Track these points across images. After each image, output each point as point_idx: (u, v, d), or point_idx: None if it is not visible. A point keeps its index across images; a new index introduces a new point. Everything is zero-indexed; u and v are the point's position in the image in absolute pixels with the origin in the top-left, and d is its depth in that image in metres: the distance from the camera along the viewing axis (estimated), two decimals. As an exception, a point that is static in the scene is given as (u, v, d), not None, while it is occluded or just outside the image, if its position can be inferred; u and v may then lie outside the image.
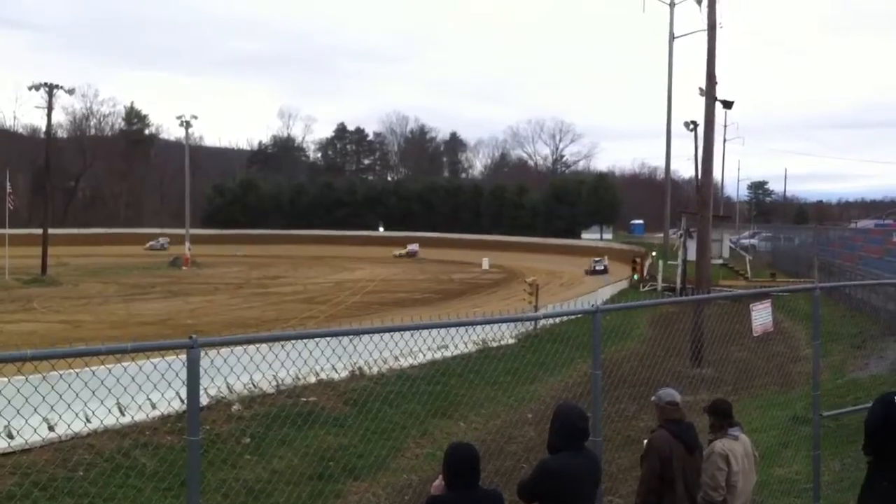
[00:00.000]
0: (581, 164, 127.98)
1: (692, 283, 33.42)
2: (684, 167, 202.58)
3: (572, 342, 16.48)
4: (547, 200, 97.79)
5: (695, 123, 45.96)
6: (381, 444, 11.80)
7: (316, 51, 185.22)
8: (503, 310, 30.19)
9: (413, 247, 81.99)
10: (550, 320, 21.89)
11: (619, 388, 11.91)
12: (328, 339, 12.40)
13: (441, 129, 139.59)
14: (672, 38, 52.69)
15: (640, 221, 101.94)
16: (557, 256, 72.36)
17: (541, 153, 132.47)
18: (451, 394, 14.41)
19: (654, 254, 54.75)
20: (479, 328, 17.27)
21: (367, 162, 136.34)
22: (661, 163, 65.08)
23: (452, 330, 14.35)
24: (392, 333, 14.23)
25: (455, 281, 53.61)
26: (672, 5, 52.25)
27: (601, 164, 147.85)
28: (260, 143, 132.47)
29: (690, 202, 62.46)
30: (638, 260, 48.68)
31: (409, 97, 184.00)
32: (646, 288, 43.76)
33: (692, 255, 32.97)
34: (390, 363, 16.29)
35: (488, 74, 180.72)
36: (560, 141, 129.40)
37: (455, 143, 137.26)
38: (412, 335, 15.31)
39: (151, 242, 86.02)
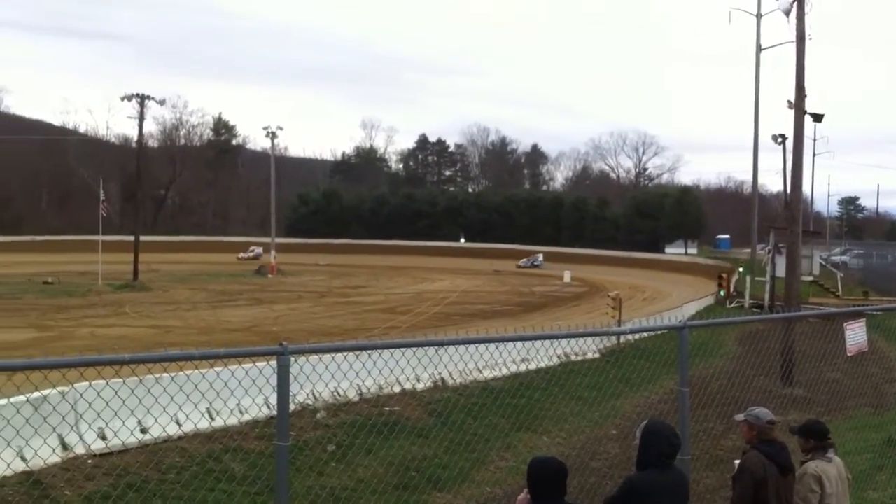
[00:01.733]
0: (665, 178, 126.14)
1: (781, 300, 32.59)
2: (772, 181, 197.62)
3: (656, 358, 16.25)
4: (629, 214, 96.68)
5: (783, 137, 44.92)
6: (465, 456, 11.78)
7: (399, 63, 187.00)
8: (585, 324, 29.81)
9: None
10: (633, 335, 21.61)
11: (706, 407, 11.68)
12: (412, 349, 12.52)
13: (522, 141, 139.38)
14: (759, 49, 51.59)
15: (726, 236, 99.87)
16: (640, 270, 71.45)
17: (623, 166, 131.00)
18: (535, 407, 14.33)
19: (740, 270, 53.57)
20: (562, 342, 17.15)
21: (447, 173, 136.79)
22: (748, 176, 63.82)
23: (536, 343, 14.30)
24: (476, 345, 14.35)
25: (536, 293, 53.37)
26: (759, 17, 51.18)
27: (685, 177, 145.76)
28: (343, 153, 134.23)
29: (778, 217, 61.02)
30: (724, 276, 47.73)
31: (490, 109, 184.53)
32: (732, 304, 42.87)
33: (781, 272, 32.20)
34: (473, 375, 16.29)
35: (570, 87, 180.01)
36: (643, 153, 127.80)
37: (536, 155, 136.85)
38: (497, 347, 15.37)
39: (242, 254, 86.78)
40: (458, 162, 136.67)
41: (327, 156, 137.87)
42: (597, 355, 21.98)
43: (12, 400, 9.19)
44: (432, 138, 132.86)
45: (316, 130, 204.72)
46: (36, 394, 9.84)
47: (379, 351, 9.34)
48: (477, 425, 13.12)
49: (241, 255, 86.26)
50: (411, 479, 10.87)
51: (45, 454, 9.95)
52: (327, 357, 11.72)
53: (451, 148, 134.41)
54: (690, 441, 6.54)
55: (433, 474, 11.06)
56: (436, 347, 13.60)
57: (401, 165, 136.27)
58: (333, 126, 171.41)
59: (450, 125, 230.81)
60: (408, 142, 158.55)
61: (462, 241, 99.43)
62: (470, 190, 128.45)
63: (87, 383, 10.19)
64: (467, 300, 47.15)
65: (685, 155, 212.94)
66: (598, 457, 12.69)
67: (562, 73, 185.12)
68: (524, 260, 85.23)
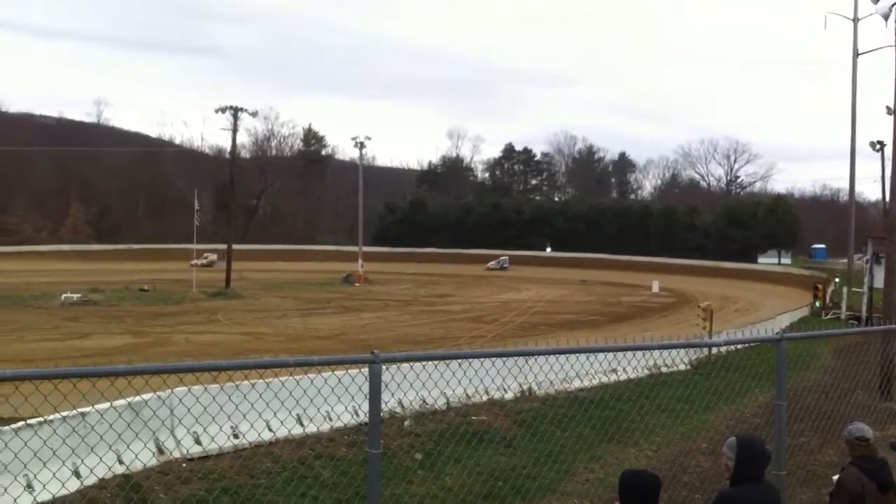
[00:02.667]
0: (757, 186, 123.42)
1: (879, 311, 31.52)
2: (870, 189, 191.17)
3: (748, 371, 15.89)
4: (720, 223, 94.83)
5: (881, 143, 43.57)
6: (552, 467, 11.70)
7: (485, 73, 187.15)
8: (675, 335, 29.41)
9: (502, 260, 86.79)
10: (725, 347, 21.17)
11: (802, 421, 11.36)
12: (500, 358, 12.53)
13: (609, 150, 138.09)
14: (856, 54, 50.03)
15: (822, 246, 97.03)
16: (730, 281, 69.99)
17: (714, 174, 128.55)
18: (623, 419, 14.15)
19: (836, 280, 52.03)
20: (652, 353, 16.91)
21: (534, 182, 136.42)
22: (845, 184, 61.98)
23: (627, 353, 14.13)
24: (563, 355, 14.27)
25: (623, 304, 52.75)
26: (856, 21, 49.69)
27: (779, 185, 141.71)
28: (429, 163, 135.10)
29: (877, 226, 59.03)
30: (820, 286, 46.42)
31: (577, 117, 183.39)
32: (828, 316, 41.63)
33: (879, 283, 31.11)
34: (560, 385, 16.19)
35: (659, 94, 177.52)
36: (735, 161, 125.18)
37: (624, 164, 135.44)
38: (585, 357, 15.26)
39: (196, 260, 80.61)
40: (544, 171, 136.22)
41: (414, 165, 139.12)
42: (687, 367, 21.61)
43: (115, 404, 9.50)
44: (518, 147, 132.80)
45: (403, 140, 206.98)
46: (136, 398, 10.15)
47: (468, 360, 9.36)
48: (564, 436, 13.02)
49: (195, 261, 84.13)
50: (498, 489, 10.86)
51: (143, 458, 10.27)
52: (416, 366, 11.80)
53: (538, 157, 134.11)
54: (786, 456, 6.39)
55: (520, 485, 11.01)
56: (524, 357, 13.63)
57: (487, 175, 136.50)
58: (420, 136, 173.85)
59: (536, 134, 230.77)
60: (494, 151, 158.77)
61: (548, 250, 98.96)
62: (556, 199, 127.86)
63: (185, 388, 10.48)
64: (553, 310, 46.89)
65: (779, 163, 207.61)
66: (689, 470, 12.46)
67: (650, 80, 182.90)
68: (492, 262, 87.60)
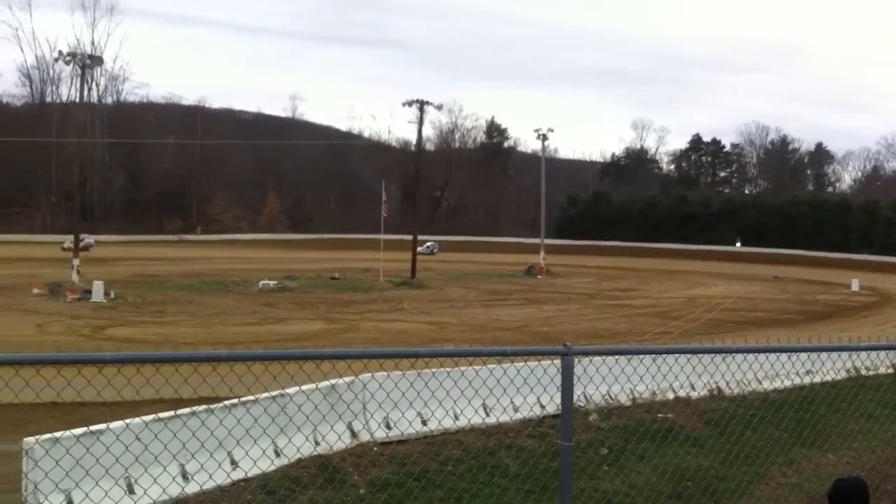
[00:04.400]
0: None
1: None
2: None
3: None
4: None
5: None
6: (743, 469, 11.28)
7: (671, 61, 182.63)
8: (877, 336, 27.71)
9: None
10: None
11: None
12: (687, 355, 12.19)
13: (805, 140, 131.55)
14: None
15: None
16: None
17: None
18: (819, 422, 13.44)
19: None
20: (851, 354, 16.01)
21: (722, 174, 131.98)
22: None
23: (821, 354, 13.44)
24: (755, 354, 13.73)
25: (820, 302, 50.10)
26: None
27: None
28: (612, 154, 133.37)
29: None
30: None
31: (770, 107, 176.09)
32: None
33: None
34: (752, 385, 15.59)
35: (859, 81, 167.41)
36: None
37: (821, 155, 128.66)
38: (777, 357, 14.62)
39: (68, 244, 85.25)
40: (733, 162, 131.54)
41: (597, 157, 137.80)
42: (890, 370, 20.30)
43: (304, 388, 9.93)
44: (706, 138, 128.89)
45: (586, 132, 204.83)
46: (325, 382, 10.57)
47: (655, 356, 9.18)
48: (756, 438, 12.51)
49: (67, 244, 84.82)
50: (686, 489, 10.59)
51: (333, 440, 10.69)
52: (598, 359, 11.68)
53: (727, 148, 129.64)
54: None
55: (709, 486, 10.68)
56: (712, 355, 13.21)
57: (672, 167, 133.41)
58: (603, 127, 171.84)
59: (725, 124, 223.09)
60: (680, 142, 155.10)
61: (738, 244, 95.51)
62: (746, 192, 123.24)
63: (378, 374, 10.82)
64: (743, 307, 45.16)
65: None
66: (891, 479, 11.72)
67: (849, 66, 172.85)
68: (422, 247, 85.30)
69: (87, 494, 7.02)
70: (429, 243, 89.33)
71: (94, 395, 6.19)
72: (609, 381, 13.31)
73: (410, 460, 10.57)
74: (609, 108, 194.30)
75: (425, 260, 68.23)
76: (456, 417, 11.78)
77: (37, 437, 7.80)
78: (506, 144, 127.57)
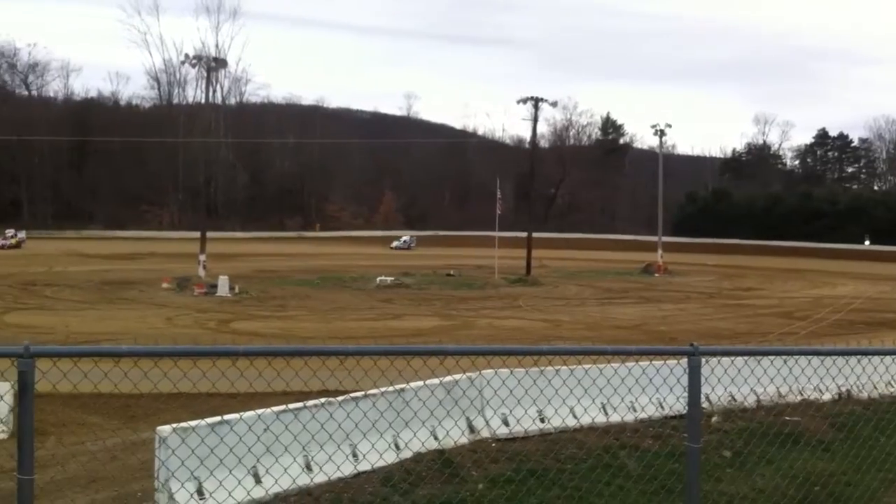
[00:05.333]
0: None
1: None
2: None
3: None
4: None
5: None
6: (874, 476, 10.82)
7: (795, 54, 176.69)
8: None
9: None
10: None
11: None
12: (816, 357, 11.78)
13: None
14: None
15: None
16: None
17: None
18: (959, 430, 12.81)
19: None
20: None
21: (850, 170, 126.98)
22: None
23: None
24: (891, 356, 13.14)
25: (958, 303, 47.61)
26: None
27: None
28: (733, 150, 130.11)
29: None
30: None
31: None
32: None
33: None
34: (884, 389, 14.97)
35: None
36: None
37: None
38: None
39: (396, 242, 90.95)
40: (861, 158, 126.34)
41: (716, 153, 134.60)
42: None
43: (427, 382, 10.03)
44: (833, 132, 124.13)
45: (705, 127, 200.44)
46: (448, 377, 10.65)
47: (780, 357, 8.91)
48: (890, 443, 12.01)
49: (395, 243, 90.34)
50: (814, 495, 10.23)
51: (455, 435, 10.77)
52: (725, 360, 11.39)
53: (855, 143, 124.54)
54: None
55: (838, 492, 10.30)
56: (844, 357, 12.72)
57: (797, 162, 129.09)
58: (723, 122, 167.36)
59: (853, 119, 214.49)
60: (805, 137, 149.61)
61: (867, 243, 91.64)
62: (876, 188, 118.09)
63: (492, 371, 10.84)
64: (874, 307, 43.28)
65: None
66: None
67: None
68: (395, 242, 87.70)
69: (220, 483, 7.26)
70: (405, 238, 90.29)
71: (228, 386, 6.43)
72: (731, 382, 12.98)
73: (528, 458, 10.56)
74: (729, 102, 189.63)
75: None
76: (574, 416, 11.71)
77: (173, 425, 8.11)
78: (622, 141, 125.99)
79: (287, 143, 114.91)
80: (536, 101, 63.79)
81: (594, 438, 11.54)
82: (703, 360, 10.85)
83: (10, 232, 79.15)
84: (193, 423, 8.13)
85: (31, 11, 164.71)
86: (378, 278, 48.04)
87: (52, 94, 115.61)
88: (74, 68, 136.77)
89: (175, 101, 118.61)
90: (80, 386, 5.56)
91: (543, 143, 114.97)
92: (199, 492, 7.92)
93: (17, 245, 76.57)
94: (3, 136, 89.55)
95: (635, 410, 12.60)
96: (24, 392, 4.13)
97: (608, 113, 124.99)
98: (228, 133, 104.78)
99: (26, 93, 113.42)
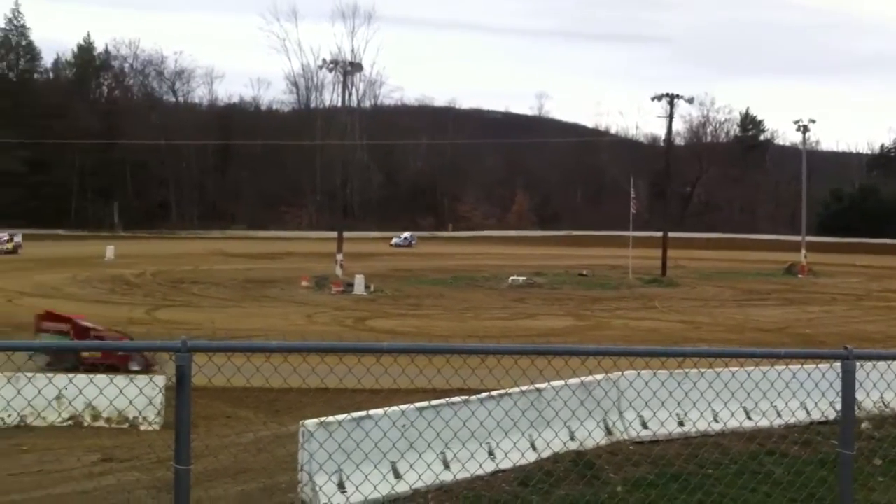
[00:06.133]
0: None
1: None
2: None
3: None
4: None
5: None
6: None
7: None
8: None
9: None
10: None
11: None
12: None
13: None
14: None
15: None
16: None
17: None
18: None
19: None
20: None
21: None
22: None
23: None
24: None
25: None
26: None
27: None
28: (882, 146, 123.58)
29: None
30: None
31: None
32: None
33: None
34: None
35: None
36: None
37: None
38: None
39: (396, 239, 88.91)
40: None
41: (863, 149, 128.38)
42: None
43: (569, 382, 9.99)
44: None
45: (851, 122, 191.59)
46: (589, 377, 10.59)
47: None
48: None
49: (395, 240, 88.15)
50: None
51: (595, 436, 10.71)
52: (869, 364, 10.88)
53: None
54: None
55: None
56: None
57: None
58: (871, 116, 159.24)
59: None
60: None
61: None
62: None
63: (634, 372, 10.72)
64: None
65: None
66: None
67: None
68: (395, 239, 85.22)
69: (366, 477, 7.45)
70: (405, 235, 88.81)
71: (373, 382, 6.60)
72: (887, 387, 12.42)
73: (668, 461, 10.40)
74: (878, 95, 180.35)
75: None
76: (717, 420, 11.46)
77: (320, 419, 8.35)
78: (762, 137, 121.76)
79: (420, 143, 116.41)
80: (672, 98, 62.52)
81: (738, 443, 11.26)
82: (857, 364, 10.43)
83: (3, 236, 68.75)
84: (339, 417, 8.34)
85: (176, 21, 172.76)
86: (510, 278, 48.09)
87: (197, 100, 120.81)
88: (218, 75, 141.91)
89: (313, 104, 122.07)
90: (233, 380, 5.83)
91: (679, 141, 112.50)
92: (342, 485, 8.13)
93: (14, 251, 66.32)
94: (153, 141, 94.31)
95: (780, 415, 12.21)
96: (182, 385, 4.29)
97: (747, 108, 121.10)
98: (364, 135, 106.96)
99: (173, 99, 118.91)
